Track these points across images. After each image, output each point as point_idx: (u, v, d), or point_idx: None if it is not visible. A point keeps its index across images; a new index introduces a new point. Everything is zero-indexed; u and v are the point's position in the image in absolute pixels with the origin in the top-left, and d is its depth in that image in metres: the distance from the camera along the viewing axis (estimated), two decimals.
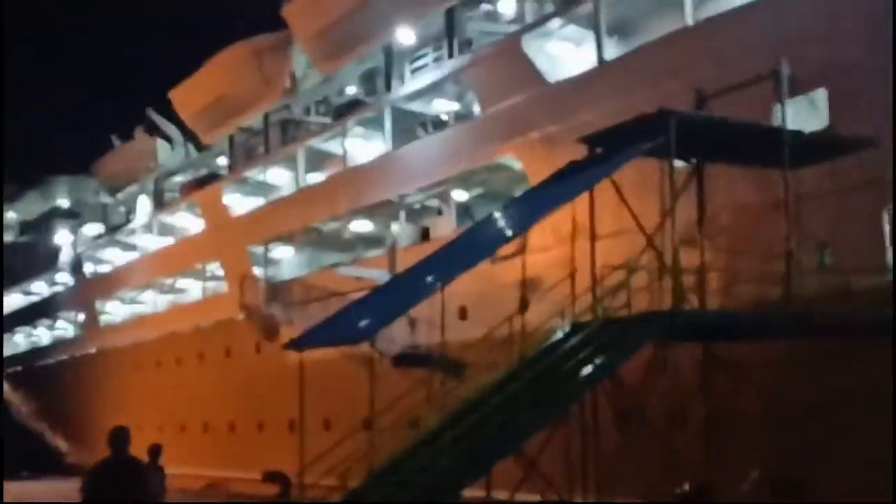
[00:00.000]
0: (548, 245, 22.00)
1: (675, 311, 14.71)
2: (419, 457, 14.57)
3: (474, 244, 17.31)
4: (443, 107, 31.25)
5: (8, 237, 71.02)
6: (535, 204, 17.16)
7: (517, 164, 26.75)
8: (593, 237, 16.53)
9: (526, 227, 17.00)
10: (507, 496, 16.71)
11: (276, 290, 36.50)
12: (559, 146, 23.27)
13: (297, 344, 16.91)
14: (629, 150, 15.45)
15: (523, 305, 26.53)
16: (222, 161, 46.01)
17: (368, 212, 33.26)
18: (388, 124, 32.17)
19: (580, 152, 22.22)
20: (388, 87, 33.10)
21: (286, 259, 39.41)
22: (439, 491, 13.36)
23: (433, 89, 30.69)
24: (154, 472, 14.44)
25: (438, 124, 31.60)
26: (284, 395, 36.95)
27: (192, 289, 46.31)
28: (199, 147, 49.49)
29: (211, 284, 43.96)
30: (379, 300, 16.89)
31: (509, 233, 16.88)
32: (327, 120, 37.71)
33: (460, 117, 30.62)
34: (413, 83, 31.73)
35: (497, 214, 17.61)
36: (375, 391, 18.61)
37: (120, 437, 9.32)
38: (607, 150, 16.85)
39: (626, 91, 22.06)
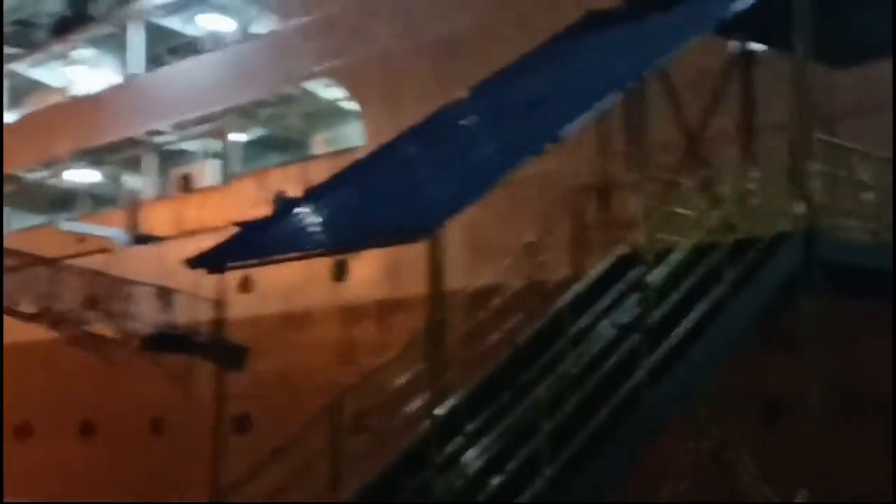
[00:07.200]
0: None
1: (815, 235, 8.93)
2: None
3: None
4: (211, 24, 24.51)
5: None
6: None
7: (330, 92, 21.49)
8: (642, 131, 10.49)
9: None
10: None
11: None
12: (404, 64, 18.63)
13: (214, 257, 8.54)
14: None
15: (340, 272, 20.68)
16: None
17: (97, 155, 25.83)
18: (135, 43, 24.96)
19: (430, 71, 17.91)
20: None
21: None
22: None
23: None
24: None
25: (191, 48, 24.88)
26: None
27: None
28: None
29: None
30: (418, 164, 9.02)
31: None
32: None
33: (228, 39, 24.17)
34: None
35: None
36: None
37: None
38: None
39: None
